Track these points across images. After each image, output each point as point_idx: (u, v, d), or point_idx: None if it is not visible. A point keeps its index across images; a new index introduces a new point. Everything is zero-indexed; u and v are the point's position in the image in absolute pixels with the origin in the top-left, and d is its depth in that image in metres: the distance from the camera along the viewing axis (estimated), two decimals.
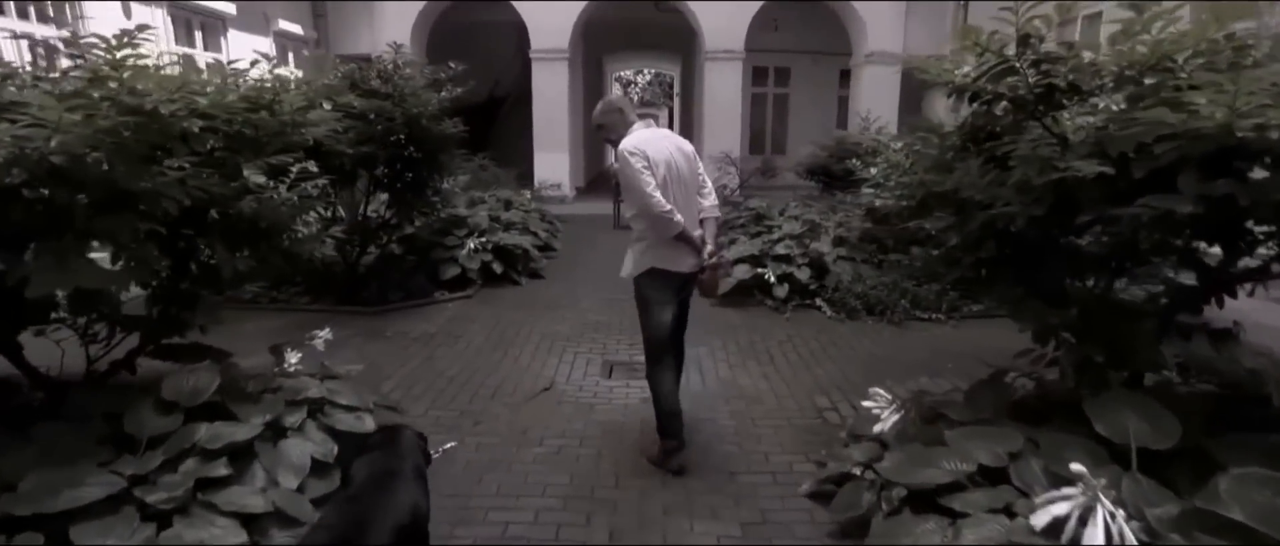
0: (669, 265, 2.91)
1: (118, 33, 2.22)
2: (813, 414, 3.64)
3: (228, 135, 2.66)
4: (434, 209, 6.26)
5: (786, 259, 5.95)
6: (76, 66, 2.50)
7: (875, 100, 11.87)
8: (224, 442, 2.26)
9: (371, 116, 5.11)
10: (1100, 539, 1.65)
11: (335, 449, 2.55)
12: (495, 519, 2.62)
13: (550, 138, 12.51)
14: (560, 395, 3.88)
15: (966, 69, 2.50)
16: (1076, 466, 1.70)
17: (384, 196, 5.89)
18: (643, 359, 3.08)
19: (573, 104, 13.14)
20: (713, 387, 4.03)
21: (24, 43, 6.97)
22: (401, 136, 5.33)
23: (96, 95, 2.04)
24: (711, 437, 3.33)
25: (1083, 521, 1.71)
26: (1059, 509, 1.73)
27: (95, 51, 2.15)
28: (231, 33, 9.85)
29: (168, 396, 2.38)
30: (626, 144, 2.84)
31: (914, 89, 12.73)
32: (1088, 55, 2.10)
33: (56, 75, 2.68)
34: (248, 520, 2.13)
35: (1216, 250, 2.38)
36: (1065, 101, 2.22)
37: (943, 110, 11.44)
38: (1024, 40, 2.07)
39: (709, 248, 2.96)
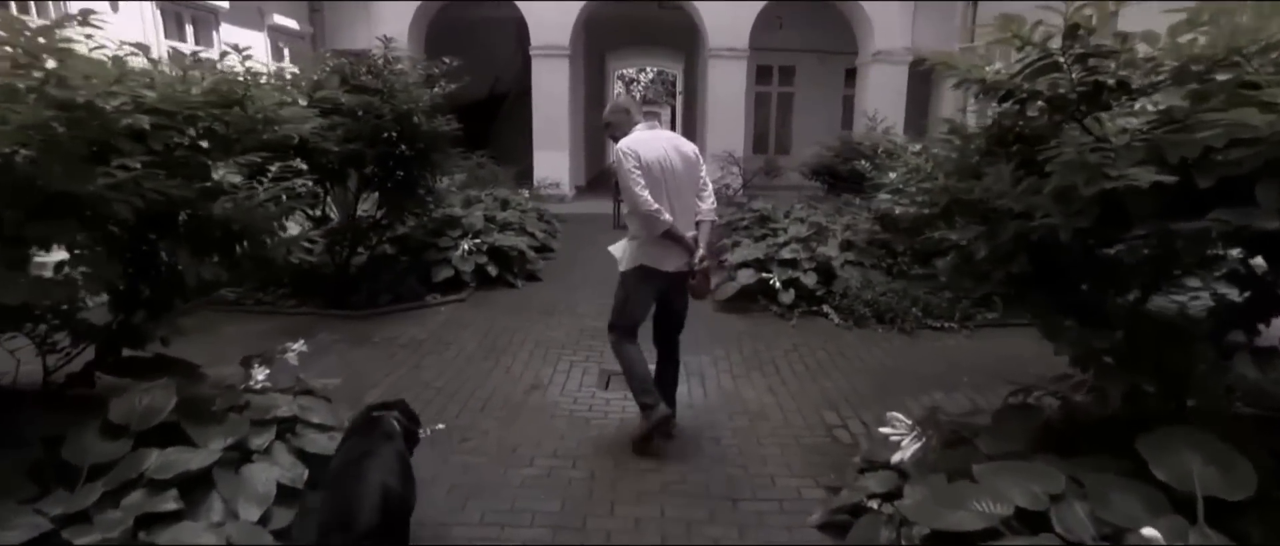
0: (656, 263, 3.00)
1: (63, 15, 2.00)
2: (821, 432, 3.42)
3: (191, 132, 2.45)
4: (427, 208, 6.04)
5: (792, 263, 5.72)
6: None
7: (881, 100, 11.67)
8: (176, 472, 2.02)
9: (360, 113, 4.90)
10: None
11: (305, 473, 2.31)
12: None
13: (550, 136, 12.29)
14: (553, 408, 3.67)
15: (998, 65, 2.29)
16: (1149, 531, 1.46)
17: (375, 195, 5.67)
18: None
19: (573, 101, 12.91)
20: (715, 400, 3.82)
21: None
22: (392, 133, 5.11)
23: (22, 87, 1.81)
24: (713, 458, 3.11)
25: None
26: None
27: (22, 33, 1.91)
28: (224, 27, 9.60)
29: (116, 419, 2.12)
30: (622, 143, 2.96)
31: (921, 88, 12.51)
32: (1143, 48, 1.86)
33: None
34: None
35: (1258, 261, 2.17)
36: (1112, 101, 1.99)
37: (950, 109, 11.24)
38: (1072, 31, 1.84)
39: (700, 251, 3.01)
